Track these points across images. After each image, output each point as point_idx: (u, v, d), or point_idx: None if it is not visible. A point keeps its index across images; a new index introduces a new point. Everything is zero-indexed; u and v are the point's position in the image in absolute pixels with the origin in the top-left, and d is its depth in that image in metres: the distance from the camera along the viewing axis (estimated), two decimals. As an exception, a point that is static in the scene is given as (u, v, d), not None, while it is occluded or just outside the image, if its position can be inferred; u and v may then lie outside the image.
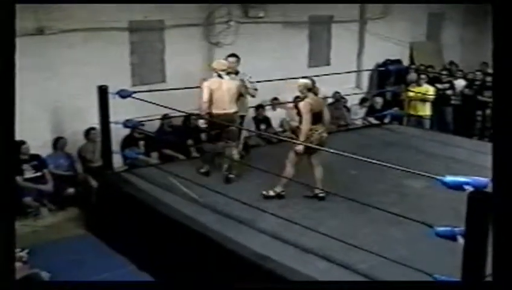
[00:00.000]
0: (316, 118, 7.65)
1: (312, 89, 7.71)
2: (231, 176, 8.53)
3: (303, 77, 8.01)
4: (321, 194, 7.77)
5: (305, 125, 7.53)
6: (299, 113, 7.69)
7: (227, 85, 8.48)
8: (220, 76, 8.48)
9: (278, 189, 7.86)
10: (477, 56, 16.88)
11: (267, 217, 7.06)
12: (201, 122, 8.67)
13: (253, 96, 9.42)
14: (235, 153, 8.62)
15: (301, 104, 7.64)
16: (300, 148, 7.57)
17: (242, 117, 9.23)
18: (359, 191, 7.75)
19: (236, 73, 9.09)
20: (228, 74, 8.65)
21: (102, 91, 8.69)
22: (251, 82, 9.22)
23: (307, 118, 7.53)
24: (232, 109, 8.47)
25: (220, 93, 8.40)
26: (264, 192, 7.88)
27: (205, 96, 8.34)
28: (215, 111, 8.38)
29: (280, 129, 12.76)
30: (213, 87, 8.39)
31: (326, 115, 7.98)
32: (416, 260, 5.76)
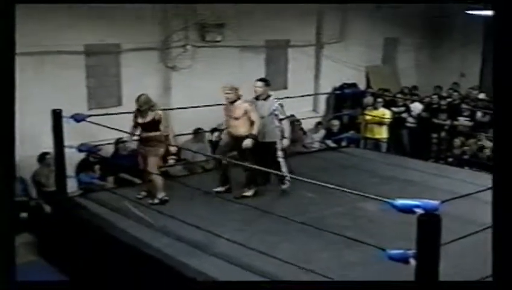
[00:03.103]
0: None
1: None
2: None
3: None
4: (165, 198, 8.58)
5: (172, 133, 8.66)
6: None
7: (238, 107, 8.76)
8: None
9: (160, 195, 8.56)
10: (431, 80, 17.20)
11: (223, 241, 7.03)
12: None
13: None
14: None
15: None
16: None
17: (271, 144, 9.03)
18: (315, 214, 7.79)
19: (266, 98, 9.05)
20: (257, 98, 9.01)
21: (56, 115, 8.57)
22: (275, 111, 9.02)
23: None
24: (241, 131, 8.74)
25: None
26: (150, 201, 8.57)
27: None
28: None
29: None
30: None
31: None
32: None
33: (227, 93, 8.75)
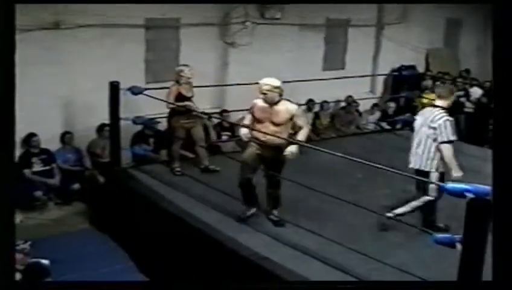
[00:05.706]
0: None
1: None
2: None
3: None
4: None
5: None
6: None
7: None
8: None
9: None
10: (495, 64, 16.77)
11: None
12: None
13: None
14: None
15: None
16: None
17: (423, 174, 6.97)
18: (363, 195, 7.77)
19: None
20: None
21: (114, 87, 8.68)
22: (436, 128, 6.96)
23: None
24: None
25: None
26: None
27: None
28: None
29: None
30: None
31: None
32: (415, 266, 5.77)
33: (268, 91, 6.74)
